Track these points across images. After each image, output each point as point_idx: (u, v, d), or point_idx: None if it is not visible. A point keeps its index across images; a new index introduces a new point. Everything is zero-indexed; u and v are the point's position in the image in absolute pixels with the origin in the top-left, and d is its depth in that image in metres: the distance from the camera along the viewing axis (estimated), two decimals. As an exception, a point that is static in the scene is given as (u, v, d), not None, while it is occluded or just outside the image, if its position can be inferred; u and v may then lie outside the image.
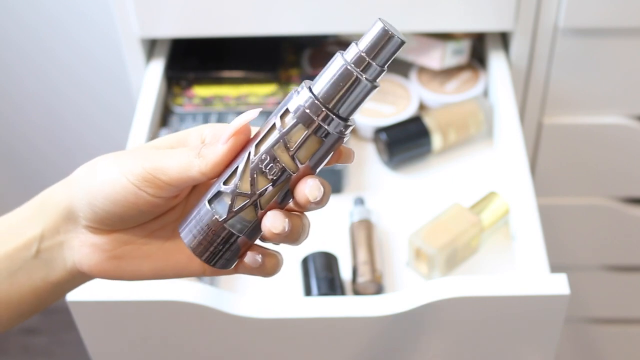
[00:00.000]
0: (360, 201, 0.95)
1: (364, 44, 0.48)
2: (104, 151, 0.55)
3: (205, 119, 1.04)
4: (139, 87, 1.05)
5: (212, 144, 0.51)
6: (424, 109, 1.08)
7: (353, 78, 0.48)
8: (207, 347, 0.81)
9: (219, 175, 0.51)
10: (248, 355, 0.82)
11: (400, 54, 1.09)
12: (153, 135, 1.00)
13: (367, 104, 1.06)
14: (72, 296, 0.76)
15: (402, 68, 1.12)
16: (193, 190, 0.56)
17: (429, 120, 1.01)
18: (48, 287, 0.55)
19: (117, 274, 0.54)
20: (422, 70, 1.10)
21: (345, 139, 0.50)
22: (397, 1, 0.97)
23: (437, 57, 1.05)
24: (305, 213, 0.52)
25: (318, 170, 0.51)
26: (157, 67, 1.06)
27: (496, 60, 1.05)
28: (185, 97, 1.07)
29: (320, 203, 0.50)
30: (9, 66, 1.39)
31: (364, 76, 0.48)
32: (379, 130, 1.01)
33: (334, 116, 0.48)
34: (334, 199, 0.98)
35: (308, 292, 0.86)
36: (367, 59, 0.48)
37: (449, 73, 1.09)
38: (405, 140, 1.00)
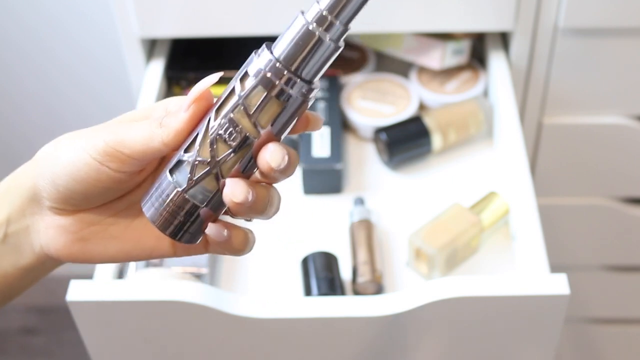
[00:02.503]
0: (360, 201, 0.95)
1: (325, 2, 0.45)
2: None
3: (205, 119, 1.04)
4: (139, 87, 1.05)
5: (173, 114, 0.49)
6: (424, 109, 1.08)
7: (315, 39, 0.45)
8: (207, 347, 0.81)
9: (181, 144, 0.49)
10: (248, 355, 0.82)
11: (400, 53, 1.10)
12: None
13: (367, 104, 1.06)
14: (72, 296, 0.76)
15: (402, 68, 1.12)
16: (159, 167, 0.54)
17: (429, 120, 1.01)
18: (18, 274, 0.54)
19: (84, 256, 0.53)
20: (422, 70, 1.10)
21: (309, 103, 0.48)
22: (397, 1, 0.97)
23: (437, 57, 1.05)
24: (274, 185, 0.50)
25: (283, 136, 0.48)
26: (157, 67, 1.06)
27: (496, 60, 1.05)
28: (185, 97, 1.07)
29: (286, 171, 0.48)
30: (9, 66, 1.39)
31: (327, 36, 0.46)
32: (379, 130, 1.01)
33: (297, 78, 0.46)
34: (334, 199, 0.98)
35: (308, 292, 0.86)
36: (329, 17, 0.45)
37: (449, 73, 1.09)
38: (405, 140, 1.00)
